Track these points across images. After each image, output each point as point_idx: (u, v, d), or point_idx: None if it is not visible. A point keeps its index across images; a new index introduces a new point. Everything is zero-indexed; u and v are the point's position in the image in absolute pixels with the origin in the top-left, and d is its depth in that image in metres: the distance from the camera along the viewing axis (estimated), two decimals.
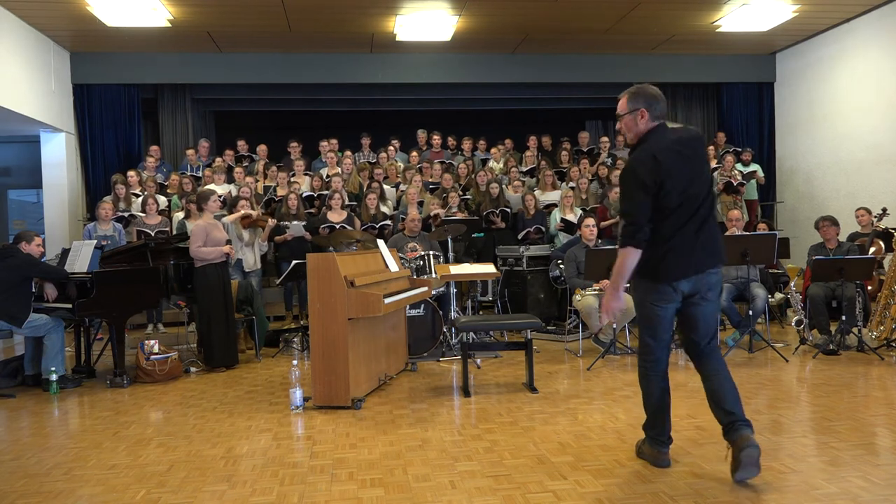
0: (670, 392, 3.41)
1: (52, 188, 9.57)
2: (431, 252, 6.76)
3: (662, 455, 3.41)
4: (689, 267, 3.17)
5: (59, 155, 9.58)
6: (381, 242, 5.83)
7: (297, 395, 4.72)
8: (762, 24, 9.19)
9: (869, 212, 7.27)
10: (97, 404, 5.11)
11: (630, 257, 3.13)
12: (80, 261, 5.84)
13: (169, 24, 8.62)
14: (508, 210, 8.55)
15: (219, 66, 10.10)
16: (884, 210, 7.06)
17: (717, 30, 9.43)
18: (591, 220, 6.87)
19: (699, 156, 3.23)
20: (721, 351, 3.29)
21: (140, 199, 8.44)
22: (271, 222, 7.69)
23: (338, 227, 7.69)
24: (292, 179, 8.94)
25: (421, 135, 10.43)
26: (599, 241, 7.03)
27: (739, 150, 10.01)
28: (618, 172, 9.01)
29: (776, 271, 7.73)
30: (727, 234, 6.90)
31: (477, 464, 3.50)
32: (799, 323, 6.50)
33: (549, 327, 7.55)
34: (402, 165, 9.72)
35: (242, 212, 7.26)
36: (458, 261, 7.46)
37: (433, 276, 6.48)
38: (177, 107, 10.66)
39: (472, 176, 9.16)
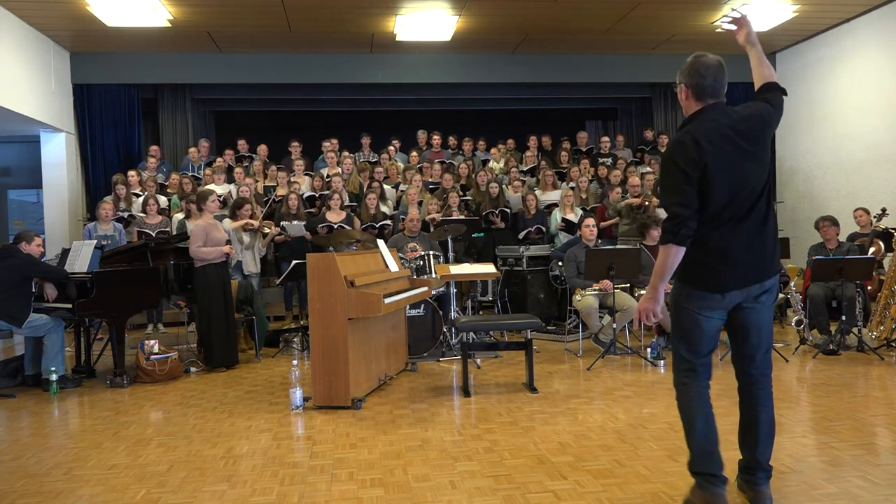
0: (714, 416, 2.83)
1: (52, 188, 9.57)
2: (431, 252, 6.76)
3: (720, 497, 2.75)
4: (741, 277, 2.71)
5: (59, 155, 9.58)
6: (381, 242, 5.83)
7: (297, 395, 4.72)
8: (762, 24, 9.19)
9: (867, 212, 7.27)
10: (97, 404, 5.11)
11: (671, 256, 2.67)
12: (80, 261, 5.84)
13: (169, 24, 8.62)
14: (508, 210, 8.56)
15: (219, 66, 10.10)
16: (883, 210, 7.05)
17: (718, 30, 9.42)
18: (591, 220, 6.87)
19: (758, 141, 2.72)
20: (771, 379, 2.86)
21: (140, 199, 8.44)
22: (275, 230, 7.68)
23: (336, 226, 7.70)
24: (292, 179, 8.94)
25: (421, 135, 10.43)
26: (599, 241, 7.03)
27: None
28: (617, 173, 9.03)
29: None
30: None
31: (477, 464, 3.50)
32: (799, 323, 6.50)
33: (549, 327, 7.55)
34: (403, 165, 9.72)
35: (245, 221, 7.23)
36: (458, 261, 7.46)
37: (433, 276, 6.48)
38: (177, 107, 10.66)
39: (473, 176, 9.16)
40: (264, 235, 7.54)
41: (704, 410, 2.81)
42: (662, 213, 8.09)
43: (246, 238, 7.33)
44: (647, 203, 7.91)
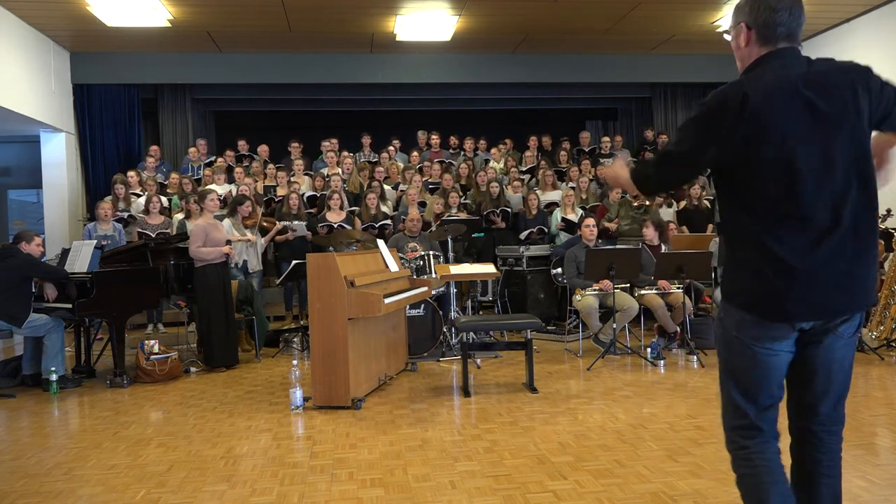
0: (792, 495, 2.03)
1: (52, 188, 9.57)
2: (431, 252, 6.76)
3: None
4: (814, 304, 1.89)
5: (59, 155, 9.59)
6: (381, 242, 5.83)
7: (297, 395, 4.72)
8: None
9: None
10: (97, 404, 5.11)
11: (629, 181, 2.13)
12: (80, 261, 5.84)
13: (169, 24, 8.62)
14: (509, 210, 8.56)
15: (219, 66, 10.10)
16: (888, 211, 7.04)
17: (718, 30, 9.42)
18: (591, 220, 6.87)
19: (847, 103, 1.87)
20: (841, 437, 2.08)
21: (140, 199, 8.45)
22: (279, 225, 7.70)
23: (336, 226, 7.70)
24: (292, 179, 8.95)
25: (421, 136, 10.44)
26: (599, 240, 7.03)
27: None
28: None
29: None
30: None
31: (477, 464, 3.50)
32: None
33: (549, 327, 7.55)
34: (402, 165, 9.73)
35: (244, 238, 7.21)
36: (458, 261, 7.46)
37: (433, 276, 6.48)
38: (177, 107, 10.67)
39: (473, 176, 9.17)
40: (263, 233, 7.54)
41: (780, 491, 1.98)
42: (663, 213, 8.14)
43: (249, 234, 7.31)
44: (646, 203, 7.90)
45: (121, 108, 10.13)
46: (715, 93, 1.95)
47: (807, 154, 1.85)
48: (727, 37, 2.08)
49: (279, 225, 7.71)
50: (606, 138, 10.66)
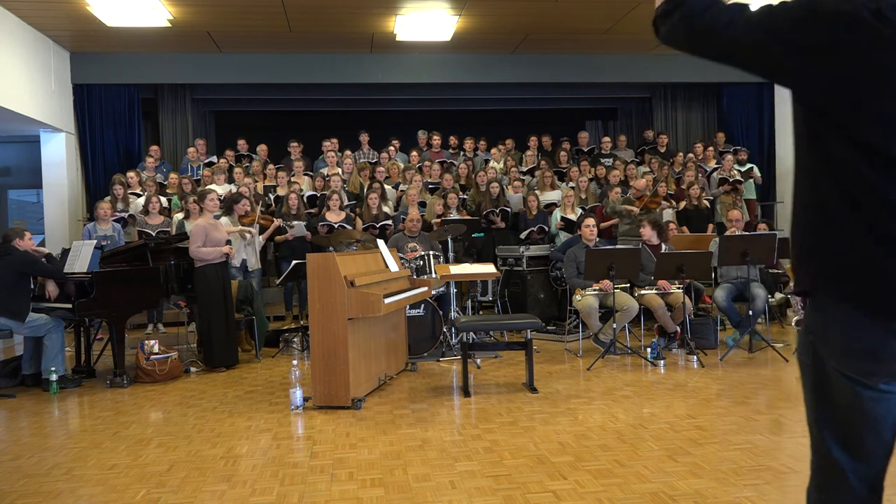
0: None
1: (52, 188, 9.57)
2: (431, 252, 6.76)
3: None
4: None
5: (59, 155, 9.59)
6: (381, 242, 5.83)
7: (297, 395, 4.72)
8: None
9: None
10: (97, 404, 5.11)
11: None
12: (80, 261, 5.84)
13: (169, 24, 8.62)
14: (509, 210, 8.56)
15: (219, 66, 10.10)
16: None
17: None
18: (591, 220, 6.87)
19: None
20: None
21: (140, 199, 8.45)
22: (277, 222, 7.71)
23: (336, 226, 7.70)
24: (292, 179, 8.95)
25: (421, 136, 10.43)
26: (598, 240, 7.03)
27: (738, 148, 10.06)
28: (617, 173, 9.01)
29: (776, 271, 7.73)
30: (727, 233, 6.91)
31: (477, 464, 3.50)
32: (799, 323, 6.50)
33: (549, 327, 7.55)
34: (403, 165, 9.73)
35: (240, 229, 7.18)
36: (458, 261, 7.46)
37: (433, 276, 6.48)
38: (177, 107, 10.67)
39: (472, 176, 9.17)
40: (261, 231, 7.53)
41: None
42: (665, 215, 8.14)
43: (247, 235, 7.31)
44: (654, 205, 7.92)
45: (121, 108, 10.13)
46: (823, 1, 1.36)
47: None
48: None
49: (277, 222, 7.71)
50: (607, 138, 10.66)
